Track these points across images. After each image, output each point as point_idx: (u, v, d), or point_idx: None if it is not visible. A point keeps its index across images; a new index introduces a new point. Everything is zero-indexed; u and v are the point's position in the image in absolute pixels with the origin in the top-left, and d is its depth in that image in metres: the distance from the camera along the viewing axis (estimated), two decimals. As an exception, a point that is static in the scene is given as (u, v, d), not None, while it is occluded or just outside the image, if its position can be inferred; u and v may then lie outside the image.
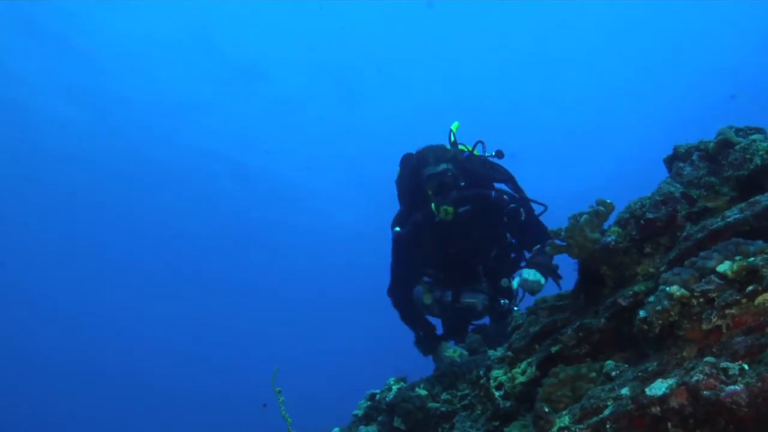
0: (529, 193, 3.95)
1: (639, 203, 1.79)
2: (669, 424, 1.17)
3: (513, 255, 4.16)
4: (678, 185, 1.76)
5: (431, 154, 3.79)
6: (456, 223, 3.68)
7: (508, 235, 4.06)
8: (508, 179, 3.94)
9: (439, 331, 4.29)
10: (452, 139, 3.91)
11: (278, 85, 22.45)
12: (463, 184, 3.72)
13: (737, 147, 1.71)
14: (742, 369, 1.13)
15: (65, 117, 20.30)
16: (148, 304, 29.47)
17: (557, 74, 22.12)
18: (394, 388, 2.74)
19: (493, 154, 3.93)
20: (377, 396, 2.86)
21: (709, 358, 1.16)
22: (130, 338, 29.15)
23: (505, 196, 3.83)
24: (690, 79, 20.94)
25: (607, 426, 1.24)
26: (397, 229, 3.94)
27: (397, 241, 3.99)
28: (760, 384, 1.08)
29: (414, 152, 3.94)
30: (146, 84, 20.74)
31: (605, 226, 1.84)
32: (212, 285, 29.70)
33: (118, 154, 22.68)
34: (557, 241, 1.81)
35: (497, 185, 3.97)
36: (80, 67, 18.99)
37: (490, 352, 2.44)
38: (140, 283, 28.86)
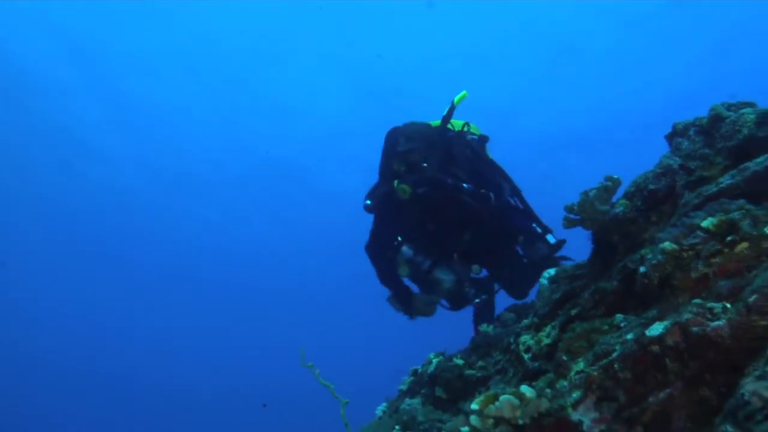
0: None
1: (643, 177, 1.99)
2: (667, 360, 1.37)
3: (499, 244, 4.13)
4: (677, 158, 1.96)
5: (406, 130, 3.86)
6: (414, 203, 3.74)
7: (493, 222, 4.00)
8: (490, 164, 3.98)
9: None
10: (444, 112, 3.93)
11: (271, 88, 22.85)
12: (425, 165, 3.73)
13: (727, 120, 1.90)
14: (725, 307, 1.32)
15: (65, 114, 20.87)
16: (148, 304, 29.68)
17: (557, 73, 22.00)
18: (434, 361, 2.96)
19: (476, 137, 3.99)
20: (419, 370, 3.09)
21: (696, 300, 1.36)
22: (131, 338, 29.31)
23: (464, 185, 3.77)
24: (690, 78, 20.75)
25: (615, 366, 1.45)
26: (368, 202, 4.02)
27: (373, 213, 4.10)
28: (738, 318, 1.28)
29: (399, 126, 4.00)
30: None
31: (614, 199, 2.04)
32: (210, 285, 29.99)
33: (115, 152, 23.16)
34: (571, 215, 2.01)
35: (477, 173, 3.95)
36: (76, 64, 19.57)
37: (524, 321, 2.64)
38: (140, 283, 29.04)
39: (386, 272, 4.17)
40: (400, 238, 4.16)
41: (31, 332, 28.44)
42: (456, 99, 3.95)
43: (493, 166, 4.01)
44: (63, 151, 22.19)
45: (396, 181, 3.69)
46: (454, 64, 21.85)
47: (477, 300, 3.95)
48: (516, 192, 3.97)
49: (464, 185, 3.76)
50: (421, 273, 3.98)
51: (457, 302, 4.04)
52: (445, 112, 3.94)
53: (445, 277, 3.90)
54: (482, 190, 3.78)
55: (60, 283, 27.96)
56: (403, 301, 4.07)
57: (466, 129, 4.07)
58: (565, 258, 3.65)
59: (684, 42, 19.97)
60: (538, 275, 4.22)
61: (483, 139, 4.01)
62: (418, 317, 4.12)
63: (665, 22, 19.50)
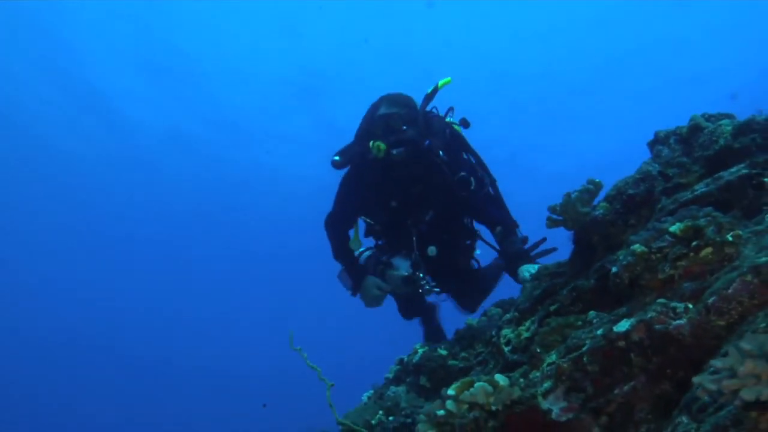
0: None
1: (623, 181, 2.08)
2: (632, 354, 1.46)
3: (461, 232, 4.06)
4: (656, 165, 2.05)
5: (389, 97, 3.81)
6: (387, 164, 3.64)
7: (458, 207, 3.92)
8: (468, 150, 3.89)
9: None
10: (429, 90, 3.84)
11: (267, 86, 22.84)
12: (405, 128, 3.65)
13: (705, 131, 2.00)
14: (686, 307, 1.42)
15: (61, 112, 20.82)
16: (146, 297, 29.87)
17: (557, 74, 22.01)
18: (420, 351, 3.06)
19: (457, 122, 3.90)
20: (405, 359, 3.19)
21: (661, 300, 1.45)
22: (130, 333, 29.45)
23: (441, 152, 3.71)
24: (690, 78, 20.81)
25: (584, 359, 1.54)
26: (336, 158, 3.87)
27: (339, 169, 3.94)
28: (698, 317, 1.37)
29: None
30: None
31: (596, 202, 2.13)
32: (209, 278, 30.10)
33: (112, 149, 23.18)
34: (553, 216, 2.10)
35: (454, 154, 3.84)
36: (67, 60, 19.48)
37: (506, 316, 2.74)
38: (137, 275, 29.22)
39: (340, 245, 4.05)
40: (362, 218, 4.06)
41: (31, 330, 28.46)
42: (440, 82, 3.87)
43: (471, 151, 3.94)
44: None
45: (371, 141, 3.61)
46: (454, 63, 21.85)
47: (427, 287, 3.71)
48: (492, 182, 3.90)
49: (440, 153, 3.71)
50: (378, 264, 3.89)
51: (410, 291, 3.82)
52: (429, 90, 3.87)
53: (401, 263, 3.80)
54: (462, 174, 3.70)
55: (59, 278, 28.03)
56: (353, 278, 3.91)
57: (450, 114, 4.01)
58: (544, 254, 3.59)
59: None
60: (490, 288, 4.26)
61: (464, 123, 3.94)
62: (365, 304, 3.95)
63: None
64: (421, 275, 3.70)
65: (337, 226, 4.07)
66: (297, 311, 29.49)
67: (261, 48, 21.67)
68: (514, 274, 3.36)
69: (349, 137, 4.02)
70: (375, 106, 3.85)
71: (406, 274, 3.71)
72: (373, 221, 3.99)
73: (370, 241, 4.22)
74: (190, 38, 20.43)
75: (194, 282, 30.19)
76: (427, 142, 3.67)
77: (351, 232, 4.12)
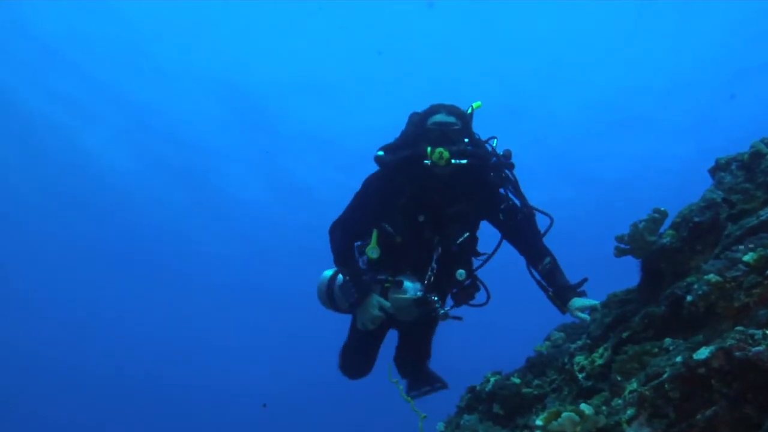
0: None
1: (688, 209, 2.14)
2: (713, 381, 1.53)
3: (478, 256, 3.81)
4: (720, 192, 2.11)
5: (444, 106, 3.61)
6: (445, 174, 3.41)
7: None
8: (513, 182, 3.63)
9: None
10: (469, 110, 3.65)
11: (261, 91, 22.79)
12: (467, 140, 3.44)
13: (767, 156, 2.06)
14: (764, 334, 1.48)
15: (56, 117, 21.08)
16: (145, 305, 29.81)
17: (559, 75, 21.83)
18: (492, 380, 3.13)
19: (501, 153, 3.59)
20: (477, 388, 3.26)
21: (739, 327, 1.52)
22: (128, 340, 29.42)
23: (507, 171, 3.53)
24: (689, 78, 20.50)
25: (666, 386, 1.61)
26: (380, 153, 3.56)
27: (376, 170, 3.66)
28: (777, 344, 1.44)
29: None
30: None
31: (662, 230, 2.20)
32: (208, 284, 30.03)
33: (112, 152, 23.25)
34: (621, 245, 2.18)
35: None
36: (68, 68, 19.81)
37: (577, 342, 2.80)
38: (137, 284, 29.16)
39: (348, 251, 3.69)
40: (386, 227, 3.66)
41: (31, 334, 28.79)
42: (475, 105, 3.69)
43: (518, 186, 3.66)
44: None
45: (430, 148, 3.32)
46: (455, 64, 21.85)
47: (442, 311, 3.49)
48: (531, 214, 3.63)
49: (507, 172, 3.54)
50: (377, 282, 3.60)
51: (422, 313, 3.55)
52: (469, 110, 3.67)
53: (410, 285, 3.52)
54: (510, 203, 3.53)
55: (59, 284, 28.34)
56: (359, 290, 3.50)
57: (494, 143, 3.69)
58: (583, 293, 3.31)
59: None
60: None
61: (507, 155, 3.60)
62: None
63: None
64: (435, 298, 3.48)
65: (349, 230, 3.70)
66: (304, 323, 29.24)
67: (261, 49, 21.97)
68: (563, 306, 3.27)
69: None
70: (427, 113, 3.63)
71: (414, 296, 3.46)
72: (395, 231, 3.61)
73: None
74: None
75: (202, 293, 30.12)
76: (494, 159, 3.52)
77: (357, 243, 3.85)
